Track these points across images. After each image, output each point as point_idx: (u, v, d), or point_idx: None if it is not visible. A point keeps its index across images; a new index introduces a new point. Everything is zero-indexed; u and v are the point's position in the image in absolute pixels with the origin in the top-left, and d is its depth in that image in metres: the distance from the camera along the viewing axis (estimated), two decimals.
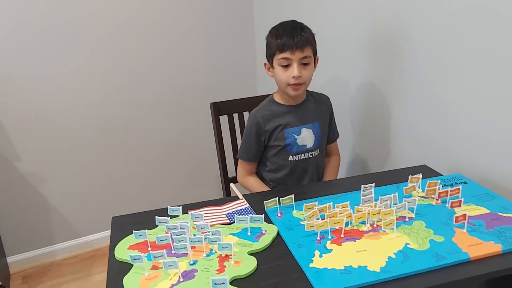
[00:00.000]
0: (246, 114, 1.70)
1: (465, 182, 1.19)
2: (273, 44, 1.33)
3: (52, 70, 1.98)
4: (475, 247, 0.91)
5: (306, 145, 1.43)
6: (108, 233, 2.30)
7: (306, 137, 1.42)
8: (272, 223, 1.06)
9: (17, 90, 1.94)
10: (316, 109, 1.46)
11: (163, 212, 1.09)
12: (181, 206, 1.08)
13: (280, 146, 1.42)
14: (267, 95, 1.68)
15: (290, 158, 1.43)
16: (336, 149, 1.58)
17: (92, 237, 2.30)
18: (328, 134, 1.51)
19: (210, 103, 1.64)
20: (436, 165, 1.35)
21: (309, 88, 1.45)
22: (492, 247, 0.90)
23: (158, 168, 2.35)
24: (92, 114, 2.11)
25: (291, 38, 1.29)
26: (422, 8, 1.33)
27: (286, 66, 1.32)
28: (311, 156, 1.45)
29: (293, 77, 1.31)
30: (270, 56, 1.36)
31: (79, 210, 2.22)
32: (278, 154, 1.43)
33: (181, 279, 0.87)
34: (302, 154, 1.44)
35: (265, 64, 1.41)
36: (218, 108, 1.64)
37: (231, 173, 1.67)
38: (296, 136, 1.41)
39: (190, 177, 2.43)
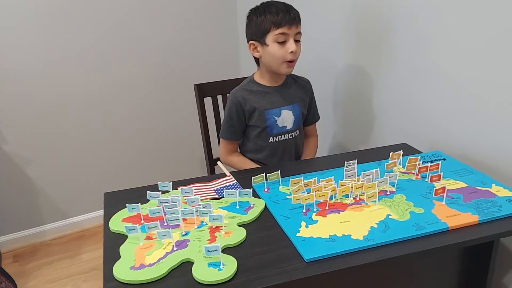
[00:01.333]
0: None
1: (444, 159, 1.25)
2: (267, 21, 1.32)
3: (35, 51, 1.96)
4: (453, 218, 0.96)
5: (286, 126, 1.46)
6: (96, 213, 2.34)
7: (286, 118, 1.45)
8: (260, 198, 1.10)
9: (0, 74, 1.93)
10: (296, 91, 1.49)
11: (154, 188, 1.12)
12: (171, 182, 1.11)
13: (261, 128, 1.44)
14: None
15: (271, 139, 1.46)
16: (314, 131, 1.61)
17: (80, 218, 2.31)
18: (307, 115, 1.54)
19: (194, 85, 1.66)
20: (417, 143, 1.41)
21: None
22: (469, 218, 0.96)
23: (144, 149, 2.36)
24: (77, 96, 2.11)
25: (287, 13, 1.31)
26: None
27: (282, 43, 1.32)
28: (290, 137, 1.48)
29: (291, 52, 1.32)
30: (262, 34, 1.34)
31: (67, 192, 2.23)
32: (259, 136, 1.46)
33: (175, 248, 0.90)
34: (282, 135, 1.47)
35: (250, 44, 1.39)
36: (202, 90, 1.67)
37: (215, 153, 1.69)
38: (276, 118, 1.43)
39: (175, 158, 2.44)
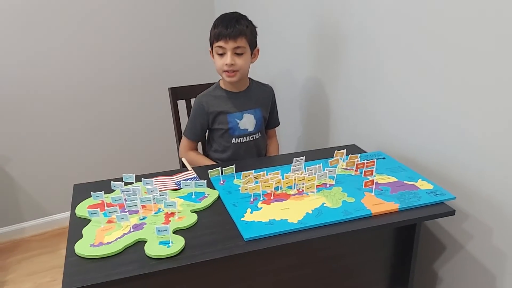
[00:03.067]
0: None
1: (383, 158, 1.39)
2: (212, 32, 1.48)
3: (12, 50, 2.07)
4: (378, 205, 1.10)
5: (247, 129, 1.59)
6: None
7: (247, 122, 1.58)
8: (215, 189, 1.23)
9: None
10: (258, 97, 1.62)
11: (119, 180, 1.24)
12: (134, 174, 1.24)
13: (224, 129, 1.57)
14: None
15: (233, 140, 1.59)
16: (274, 133, 1.78)
17: (60, 216, 2.41)
18: (269, 120, 1.69)
19: (169, 88, 1.79)
20: (366, 145, 1.55)
21: (256, 79, 1.62)
22: (391, 206, 1.10)
23: (121, 148, 2.47)
24: (56, 96, 2.22)
25: (225, 28, 1.43)
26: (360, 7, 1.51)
27: (221, 55, 1.47)
28: (252, 139, 1.61)
29: (226, 64, 1.45)
30: (210, 44, 1.51)
31: (47, 189, 2.34)
32: (223, 137, 1.59)
33: (132, 230, 1.03)
34: (244, 137, 1.60)
35: (210, 51, 1.54)
36: (176, 93, 1.80)
37: None
38: (238, 121, 1.57)
39: (150, 157, 2.54)
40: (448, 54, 1.21)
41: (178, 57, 2.48)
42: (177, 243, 0.97)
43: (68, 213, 2.36)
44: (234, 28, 1.43)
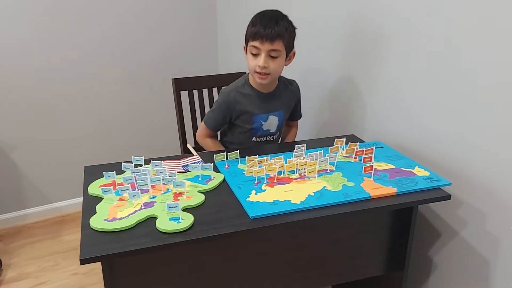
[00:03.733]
0: (205, 91, 1.91)
1: (381, 147, 1.45)
2: (248, 30, 1.40)
3: (18, 42, 2.10)
4: (376, 189, 1.16)
5: (270, 130, 1.57)
6: (77, 200, 2.48)
7: (271, 123, 1.55)
8: (220, 173, 1.28)
9: None
10: (284, 97, 1.57)
11: (129, 163, 1.29)
12: (143, 157, 1.29)
13: (247, 128, 1.54)
14: (228, 74, 1.90)
15: (254, 139, 1.57)
16: (296, 124, 1.74)
17: (61, 204, 2.45)
18: (292, 113, 1.65)
19: (172, 79, 1.83)
20: (366, 135, 1.61)
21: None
22: (389, 190, 1.16)
23: (125, 138, 2.50)
24: (60, 86, 2.24)
25: (263, 28, 1.35)
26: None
27: (255, 55, 1.40)
28: (272, 139, 1.60)
29: (259, 66, 1.38)
30: (246, 41, 1.43)
31: (50, 178, 2.37)
32: (244, 134, 1.56)
33: (143, 207, 1.08)
34: (265, 137, 1.58)
35: (244, 47, 1.48)
36: (180, 84, 1.84)
37: (190, 142, 1.86)
38: (263, 122, 1.53)
39: (153, 147, 2.55)
40: (446, 54, 1.27)
41: (181, 49, 2.52)
42: (187, 219, 1.02)
43: (69, 201, 2.47)
44: (273, 30, 1.35)
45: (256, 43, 1.38)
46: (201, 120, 1.86)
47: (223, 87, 1.58)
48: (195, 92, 1.89)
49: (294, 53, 1.48)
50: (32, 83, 2.19)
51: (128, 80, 2.43)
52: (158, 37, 2.44)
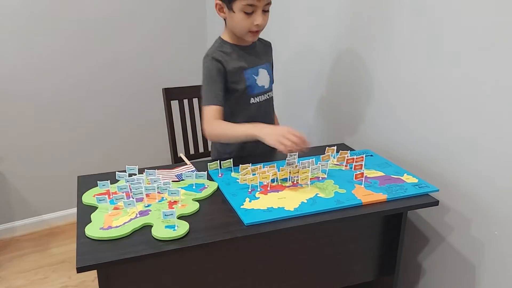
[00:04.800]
0: (195, 101, 1.93)
1: (371, 155, 1.48)
2: None
3: (9, 53, 2.10)
4: (367, 196, 1.19)
5: (264, 86, 1.44)
6: (66, 212, 2.46)
7: (263, 77, 1.43)
8: (214, 181, 1.30)
9: None
10: (262, 50, 1.48)
11: (123, 172, 1.30)
12: (137, 166, 1.30)
13: (241, 90, 1.38)
14: None
15: (252, 100, 1.41)
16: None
17: (49, 216, 2.43)
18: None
19: (162, 89, 1.85)
20: (357, 145, 1.65)
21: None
22: (380, 196, 1.19)
23: (114, 148, 2.51)
24: (49, 96, 2.25)
25: None
26: None
27: (249, 13, 1.29)
28: (269, 97, 1.47)
29: (257, 24, 1.30)
30: (229, 1, 1.29)
31: (37, 189, 2.35)
32: (240, 98, 1.40)
33: (138, 215, 1.09)
34: (262, 95, 1.44)
35: (217, 4, 1.34)
36: (170, 94, 1.86)
37: (180, 151, 1.87)
38: (255, 77, 1.41)
39: (143, 156, 2.59)
40: (433, 63, 1.32)
41: (172, 59, 2.55)
42: (182, 227, 1.03)
43: (58, 213, 2.45)
44: None
45: (252, 1, 1.26)
46: (192, 133, 1.86)
47: (203, 58, 1.40)
48: (185, 101, 1.92)
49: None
50: (20, 94, 2.18)
51: (118, 89, 2.44)
52: (148, 47, 2.47)
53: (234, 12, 1.30)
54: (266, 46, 1.53)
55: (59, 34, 2.20)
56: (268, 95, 1.49)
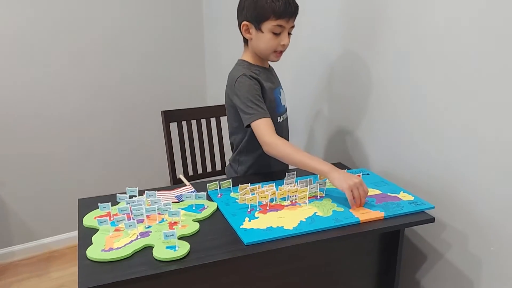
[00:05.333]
0: (194, 122, 1.96)
1: (368, 174, 1.51)
2: (269, 8, 1.30)
3: (8, 77, 2.14)
4: (365, 214, 1.21)
5: (285, 105, 1.52)
6: (64, 235, 2.46)
7: (284, 97, 1.52)
8: (213, 201, 1.31)
9: None
10: (275, 74, 1.55)
11: (123, 194, 1.31)
12: (137, 188, 1.31)
13: (272, 108, 1.43)
14: (217, 106, 1.96)
15: (278, 119, 1.47)
16: None
17: (48, 240, 2.43)
18: None
19: (161, 111, 1.88)
20: (353, 163, 1.67)
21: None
22: (377, 214, 1.21)
23: (114, 171, 2.53)
24: (49, 119, 2.28)
25: (289, 6, 1.30)
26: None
27: (277, 34, 1.34)
28: (287, 117, 1.56)
29: (283, 45, 1.36)
30: (259, 20, 1.33)
31: (36, 213, 2.35)
32: (271, 116, 1.41)
33: (139, 236, 1.10)
34: (283, 115, 1.52)
35: (244, 25, 1.37)
36: (169, 116, 1.89)
37: (179, 172, 1.89)
38: (280, 97, 1.49)
39: (142, 178, 2.61)
40: (427, 82, 1.36)
41: (171, 82, 2.60)
42: (183, 247, 1.04)
43: (56, 237, 2.45)
44: (294, 5, 1.33)
45: (282, 22, 1.32)
46: (190, 155, 1.88)
47: (237, 78, 1.38)
48: (184, 123, 1.95)
49: None
50: (18, 117, 2.21)
51: (118, 112, 2.48)
52: (147, 70, 2.52)
53: (262, 32, 1.35)
54: (273, 70, 1.57)
55: (59, 58, 2.24)
56: (287, 115, 1.56)
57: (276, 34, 1.34)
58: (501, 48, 1.13)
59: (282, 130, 1.50)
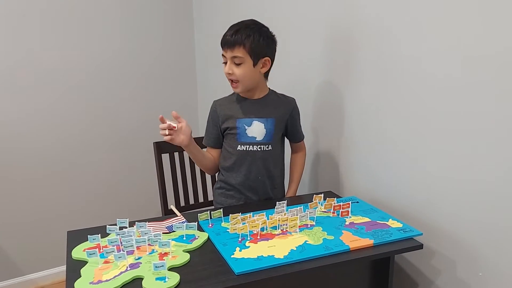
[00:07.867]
0: (186, 153, 1.96)
1: (357, 202, 1.52)
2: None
3: None
4: (355, 242, 1.22)
5: (255, 137, 1.57)
6: (52, 270, 2.41)
7: (256, 129, 1.56)
8: (204, 231, 1.31)
9: None
10: (275, 106, 1.59)
11: (113, 226, 1.31)
12: (127, 219, 1.31)
13: (232, 134, 1.57)
14: None
15: (239, 147, 1.57)
16: (300, 148, 1.74)
17: (36, 275, 2.37)
18: (292, 133, 1.67)
19: (154, 143, 1.90)
20: (345, 192, 1.69)
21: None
22: (367, 241, 1.21)
23: (102, 203, 2.51)
24: (36, 152, 2.28)
25: (227, 36, 1.45)
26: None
27: (225, 63, 1.50)
28: (259, 149, 1.57)
29: (225, 72, 1.49)
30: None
31: (23, 249, 2.31)
32: (230, 142, 1.59)
33: (128, 268, 1.09)
34: (250, 146, 1.57)
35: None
36: (161, 147, 1.91)
37: (170, 203, 1.88)
38: (246, 127, 1.56)
39: (134, 208, 2.59)
40: (420, 112, 1.40)
41: (163, 113, 2.60)
42: (173, 278, 1.04)
43: (44, 272, 2.39)
44: (233, 37, 1.44)
45: (223, 51, 1.49)
46: (182, 185, 1.91)
47: None
48: (176, 154, 1.95)
49: (268, 61, 1.51)
50: (7, 151, 2.20)
51: (109, 143, 2.49)
52: (139, 101, 2.55)
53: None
54: (282, 104, 1.61)
55: (50, 91, 2.26)
56: (259, 147, 1.58)
57: (224, 63, 1.50)
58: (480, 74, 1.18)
59: (244, 159, 1.59)
